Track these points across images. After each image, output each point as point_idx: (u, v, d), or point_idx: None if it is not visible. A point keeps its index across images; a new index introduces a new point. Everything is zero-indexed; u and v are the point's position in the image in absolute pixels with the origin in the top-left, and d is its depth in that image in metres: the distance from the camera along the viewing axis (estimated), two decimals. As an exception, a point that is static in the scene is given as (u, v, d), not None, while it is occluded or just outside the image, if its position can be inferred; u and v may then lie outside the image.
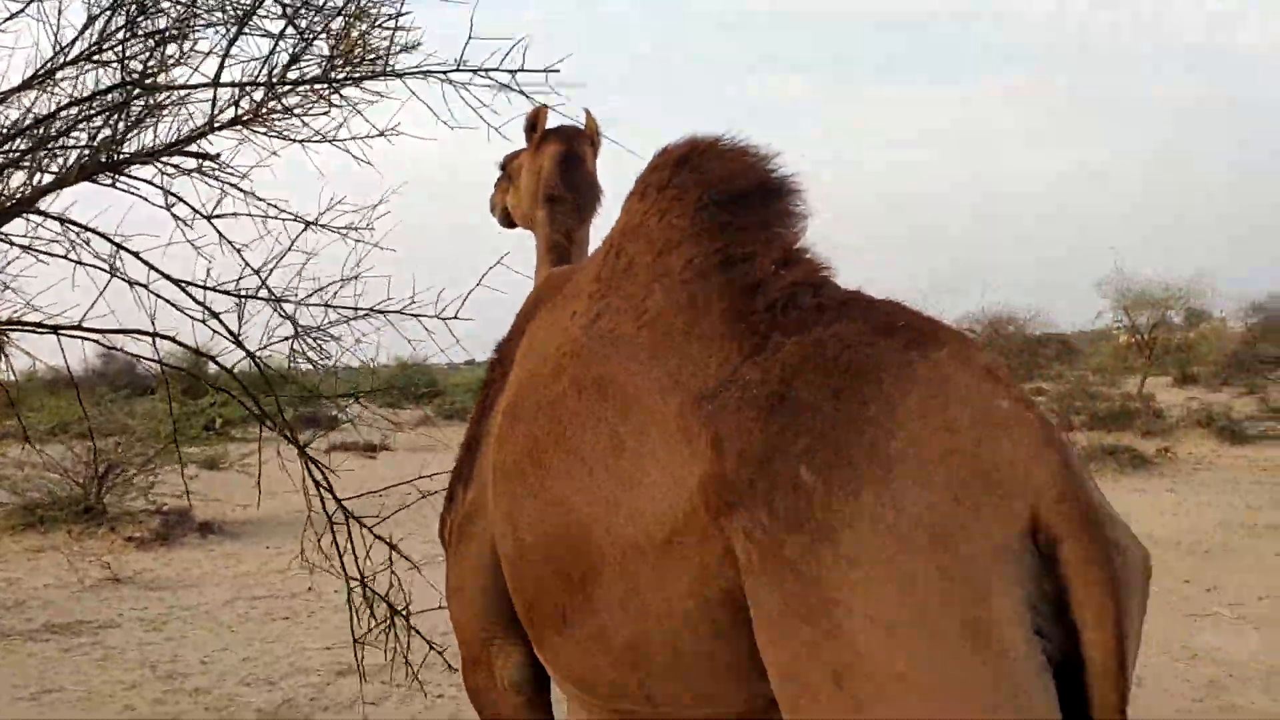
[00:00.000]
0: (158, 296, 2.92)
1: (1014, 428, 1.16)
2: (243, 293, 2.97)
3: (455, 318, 2.91)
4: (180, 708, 5.18)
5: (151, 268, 2.91)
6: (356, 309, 2.95)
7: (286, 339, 2.97)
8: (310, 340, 2.99)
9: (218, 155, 2.93)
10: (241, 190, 3.00)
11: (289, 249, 2.96)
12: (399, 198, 3.03)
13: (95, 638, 6.89)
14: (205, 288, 2.93)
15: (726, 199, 1.56)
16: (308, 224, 3.02)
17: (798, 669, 1.17)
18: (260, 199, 3.00)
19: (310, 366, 3.02)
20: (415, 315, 2.93)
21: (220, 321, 2.94)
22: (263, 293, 2.99)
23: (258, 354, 2.99)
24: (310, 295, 3.00)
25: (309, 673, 6.08)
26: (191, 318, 2.92)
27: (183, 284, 2.92)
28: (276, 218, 3.02)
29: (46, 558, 9.97)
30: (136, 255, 2.90)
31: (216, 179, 2.98)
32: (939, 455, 1.15)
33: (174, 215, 3.01)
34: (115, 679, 5.79)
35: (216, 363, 3.06)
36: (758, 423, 1.27)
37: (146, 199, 2.96)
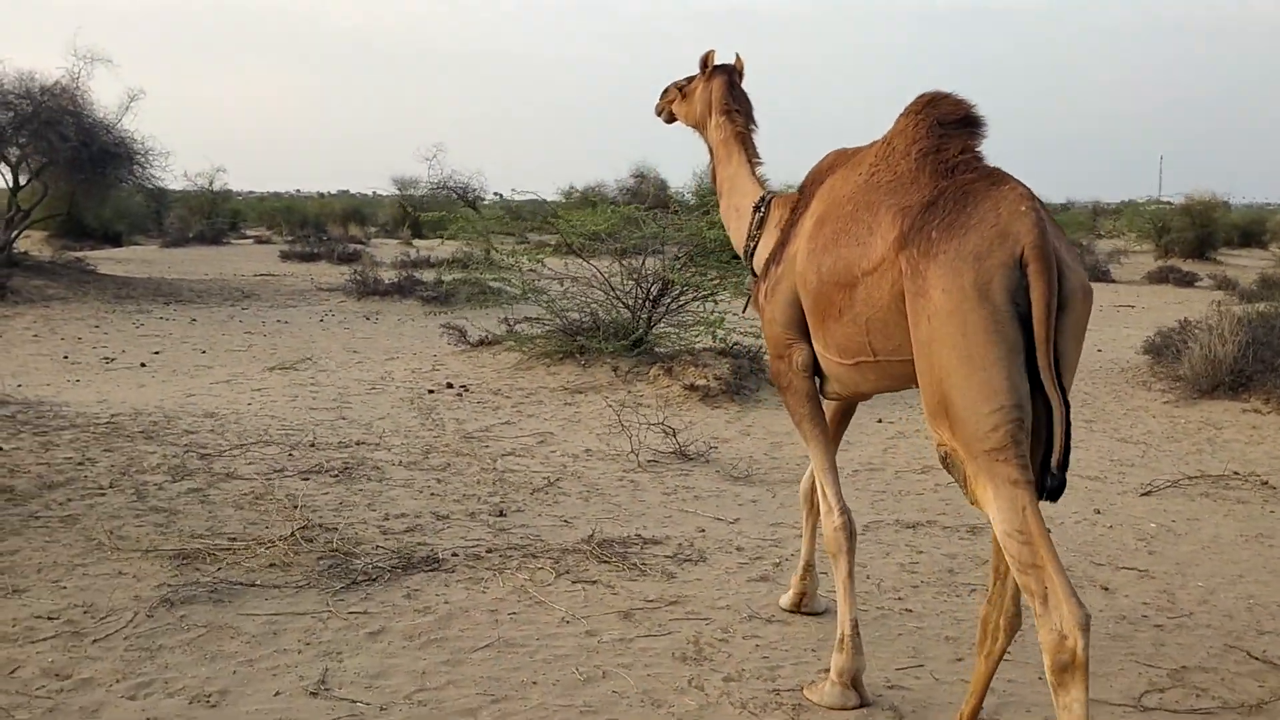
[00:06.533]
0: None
1: (1024, 216, 2.59)
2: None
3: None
4: None
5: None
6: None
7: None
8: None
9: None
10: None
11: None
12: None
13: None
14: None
15: (946, 122, 3.03)
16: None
17: (915, 315, 2.67)
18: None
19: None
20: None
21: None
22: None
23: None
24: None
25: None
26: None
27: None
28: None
29: (587, 406, 7.73)
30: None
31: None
32: (988, 226, 2.60)
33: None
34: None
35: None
36: (921, 213, 2.78)
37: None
